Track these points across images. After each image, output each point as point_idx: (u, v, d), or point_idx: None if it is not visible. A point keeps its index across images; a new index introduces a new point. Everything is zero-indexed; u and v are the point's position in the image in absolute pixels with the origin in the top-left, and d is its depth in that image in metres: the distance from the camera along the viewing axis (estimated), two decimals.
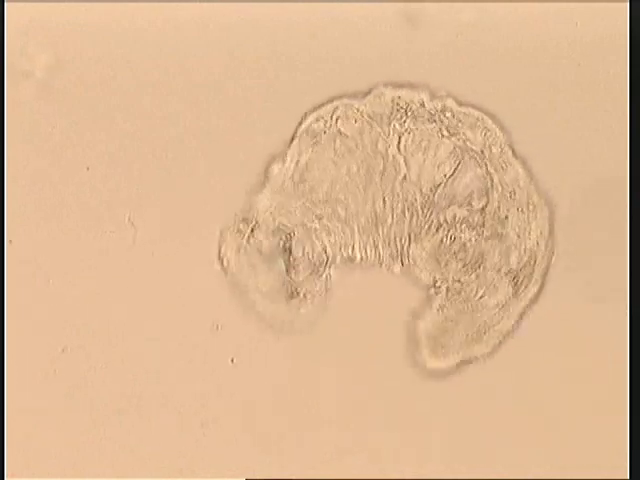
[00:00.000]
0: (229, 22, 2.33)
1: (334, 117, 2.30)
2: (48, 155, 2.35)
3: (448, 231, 2.26)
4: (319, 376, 2.33)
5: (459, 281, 2.28)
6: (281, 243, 2.28)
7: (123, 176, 2.34)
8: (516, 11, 2.32)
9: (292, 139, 2.32)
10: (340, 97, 2.31)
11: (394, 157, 2.26)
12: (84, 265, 2.34)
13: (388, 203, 2.26)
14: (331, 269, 2.30)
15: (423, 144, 2.26)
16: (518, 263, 2.30)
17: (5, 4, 2.31)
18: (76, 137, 2.35)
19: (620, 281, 2.29)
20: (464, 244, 2.26)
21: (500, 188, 2.28)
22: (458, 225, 2.26)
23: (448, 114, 2.28)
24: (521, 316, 2.32)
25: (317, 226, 2.28)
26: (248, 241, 2.29)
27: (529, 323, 2.33)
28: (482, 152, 2.27)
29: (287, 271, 2.30)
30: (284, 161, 2.31)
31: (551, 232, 2.31)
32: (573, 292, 2.31)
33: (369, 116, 2.28)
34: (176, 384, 2.34)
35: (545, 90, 2.34)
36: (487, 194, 2.27)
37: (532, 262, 2.31)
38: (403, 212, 2.26)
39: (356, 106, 2.30)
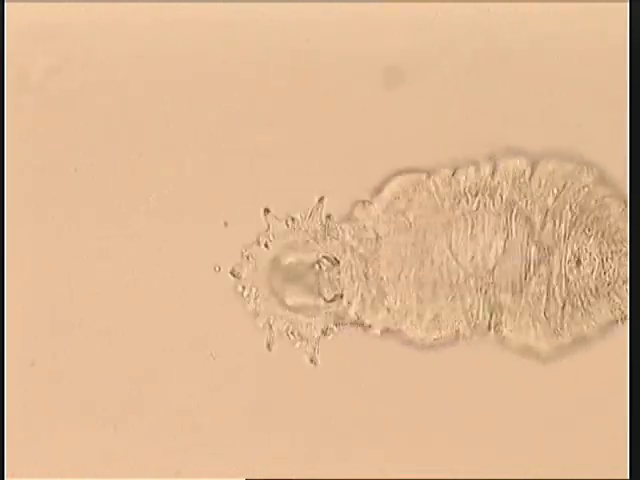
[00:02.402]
0: (232, 22, 2.34)
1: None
2: (48, 155, 2.35)
3: None
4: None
5: None
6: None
7: (118, 177, 2.35)
8: (516, 11, 2.32)
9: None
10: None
11: None
12: (84, 265, 2.35)
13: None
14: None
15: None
16: None
17: (5, 4, 2.31)
18: (76, 137, 2.35)
19: None
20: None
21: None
22: None
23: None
24: None
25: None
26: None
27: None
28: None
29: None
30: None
31: None
32: None
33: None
34: (176, 384, 2.34)
35: (543, 91, 2.34)
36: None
37: None
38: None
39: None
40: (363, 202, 2.33)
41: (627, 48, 2.29)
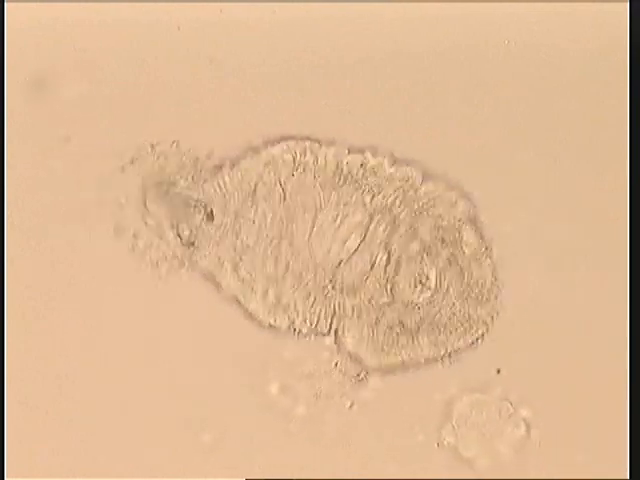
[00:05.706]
0: (232, 22, 2.34)
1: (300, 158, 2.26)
2: (47, 156, 2.36)
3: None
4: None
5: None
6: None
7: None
8: (516, 11, 2.33)
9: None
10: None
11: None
12: (84, 268, 2.36)
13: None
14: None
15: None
16: None
17: (5, 4, 2.31)
18: (76, 137, 2.35)
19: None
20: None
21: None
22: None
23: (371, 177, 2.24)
24: None
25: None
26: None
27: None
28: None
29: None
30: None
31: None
32: None
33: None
34: (176, 384, 2.34)
35: (546, 93, 2.35)
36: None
37: None
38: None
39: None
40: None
41: (627, 48, 2.30)
